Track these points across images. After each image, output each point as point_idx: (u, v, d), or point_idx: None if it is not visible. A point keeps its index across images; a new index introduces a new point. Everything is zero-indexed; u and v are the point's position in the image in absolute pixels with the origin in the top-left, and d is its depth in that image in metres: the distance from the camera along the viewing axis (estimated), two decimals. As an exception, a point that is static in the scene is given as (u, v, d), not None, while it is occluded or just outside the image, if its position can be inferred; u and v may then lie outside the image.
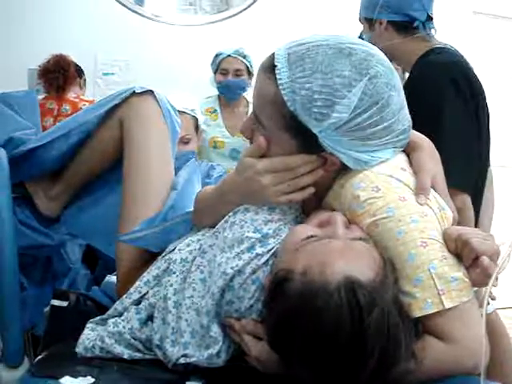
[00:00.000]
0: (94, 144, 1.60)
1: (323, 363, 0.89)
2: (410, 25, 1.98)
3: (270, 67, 1.04)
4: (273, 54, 1.05)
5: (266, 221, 1.09)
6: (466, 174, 1.76)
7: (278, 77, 1.02)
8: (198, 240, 1.19)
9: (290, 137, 1.05)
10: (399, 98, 1.06)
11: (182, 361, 1.07)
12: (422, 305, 0.95)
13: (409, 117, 1.10)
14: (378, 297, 0.88)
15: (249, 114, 1.13)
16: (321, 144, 1.03)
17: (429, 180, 1.06)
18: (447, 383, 0.95)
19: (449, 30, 2.20)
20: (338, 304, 0.87)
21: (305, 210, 1.18)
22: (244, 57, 3.26)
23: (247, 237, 1.06)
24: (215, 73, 3.30)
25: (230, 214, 1.13)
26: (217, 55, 3.28)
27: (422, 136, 1.17)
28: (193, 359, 1.07)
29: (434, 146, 1.17)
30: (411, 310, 0.95)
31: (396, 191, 1.01)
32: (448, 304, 0.94)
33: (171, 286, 1.13)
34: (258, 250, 1.05)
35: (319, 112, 1.00)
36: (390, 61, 1.91)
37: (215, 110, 3.33)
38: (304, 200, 1.20)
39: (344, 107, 0.99)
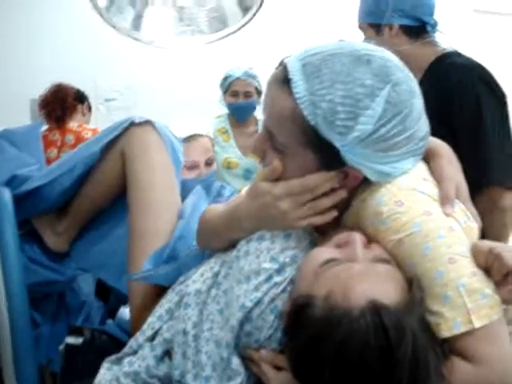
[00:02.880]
0: (97, 177, 1.59)
1: None
2: (421, 29, 1.97)
3: (283, 80, 0.97)
4: (284, 66, 0.99)
5: (282, 249, 1.04)
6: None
7: (294, 90, 0.95)
8: (211, 268, 1.16)
9: (310, 152, 0.98)
10: (420, 105, 1.01)
11: None
12: (450, 324, 0.91)
13: (427, 122, 1.05)
14: (404, 319, 0.84)
15: (259, 133, 1.07)
16: (343, 158, 0.97)
17: (453, 189, 1.02)
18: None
19: (450, 28, 2.18)
20: (363, 329, 0.83)
21: (321, 230, 1.13)
22: (253, 77, 3.24)
23: (264, 268, 1.02)
24: (225, 93, 3.30)
25: (243, 242, 1.08)
26: (226, 77, 3.27)
27: (439, 141, 1.13)
28: None
29: (452, 151, 1.13)
30: (439, 329, 0.91)
31: (420, 205, 0.97)
32: (478, 323, 0.90)
33: (189, 319, 1.10)
34: (276, 279, 1.02)
35: (343, 125, 0.93)
36: None
37: (227, 131, 3.33)
38: None
39: (368, 118, 0.93)
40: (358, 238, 0.98)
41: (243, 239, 1.09)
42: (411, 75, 1.01)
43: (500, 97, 1.79)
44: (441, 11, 2.13)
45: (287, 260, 1.03)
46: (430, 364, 0.85)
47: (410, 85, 0.99)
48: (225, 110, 3.38)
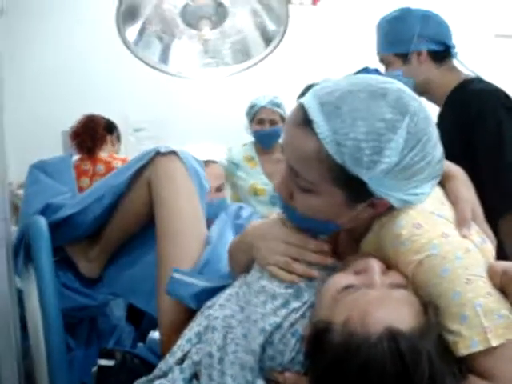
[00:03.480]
0: (125, 205, 1.65)
1: None
2: (445, 54, 1.97)
3: (304, 122, 0.99)
4: (302, 107, 1.00)
5: None
6: None
7: (318, 131, 0.96)
8: (237, 293, 1.20)
9: (338, 189, 1.00)
10: (435, 130, 1.04)
11: None
12: (468, 343, 0.93)
13: (441, 145, 1.07)
14: (420, 344, 0.87)
15: (282, 173, 1.07)
16: (370, 190, 1.00)
17: (469, 211, 1.04)
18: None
19: (471, 53, 2.19)
20: (381, 355, 0.86)
21: (340, 254, 1.17)
22: (278, 106, 3.31)
23: (280, 293, 1.07)
24: (251, 121, 3.37)
25: (257, 267, 1.15)
26: (252, 106, 3.35)
27: (454, 165, 1.16)
28: None
29: (466, 173, 1.16)
30: (457, 348, 0.94)
31: (438, 227, 1.00)
32: (495, 342, 0.92)
33: (215, 343, 1.13)
34: (294, 304, 1.06)
35: (369, 160, 0.95)
36: (422, 94, 1.93)
37: (253, 158, 3.39)
38: (339, 243, 1.20)
39: (393, 151, 0.96)
40: (375, 264, 1.01)
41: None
42: (424, 104, 1.04)
43: None
44: (462, 36, 2.14)
45: (302, 285, 1.08)
46: None
47: (426, 113, 1.02)
48: (250, 138, 3.44)
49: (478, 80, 1.95)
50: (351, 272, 1.03)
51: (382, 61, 2.03)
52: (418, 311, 0.93)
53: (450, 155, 1.23)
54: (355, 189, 1.00)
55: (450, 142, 1.67)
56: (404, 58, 1.96)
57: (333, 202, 1.03)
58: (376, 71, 1.99)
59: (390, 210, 1.04)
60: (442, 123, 1.97)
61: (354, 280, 1.00)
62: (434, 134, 1.03)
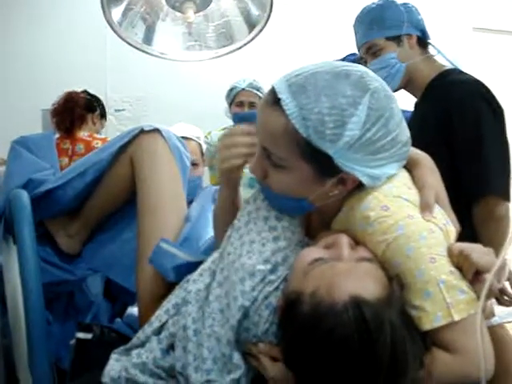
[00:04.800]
0: (107, 182, 1.67)
1: (335, 379, 0.93)
2: (426, 42, 2.02)
3: (273, 101, 1.05)
4: (272, 89, 1.07)
5: (273, 251, 1.14)
6: (508, 183, 1.82)
7: (285, 108, 1.02)
8: (209, 268, 1.24)
9: (306, 163, 1.05)
10: (398, 109, 1.09)
11: None
12: (432, 318, 0.99)
13: (407, 129, 1.13)
14: (383, 313, 0.93)
15: (256, 155, 1.14)
16: (336, 165, 1.04)
17: (433, 196, 1.10)
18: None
19: (449, 46, 2.22)
20: (345, 322, 0.91)
21: (311, 234, 1.22)
22: (258, 89, 3.35)
23: (259, 270, 1.11)
24: (230, 105, 3.40)
25: (235, 241, 1.19)
26: (231, 89, 3.38)
27: (421, 152, 1.22)
28: None
29: (433, 161, 1.21)
30: (421, 323, 0.99)
31: (404, 210, 1.05)
32: (457, 316, 0.98)
33: (189, 315, 1.18)
34: (269, 277, 1.11)
35: (332, 133, 1.00)
36: (405, 86, 1.97)
37: None
38: (310, 223, 1.25)
39: (354, 124, 1.01)
40: (344, 239, 1.07)
41: (235, 240, 1.19)
42: (386, 85, 1.09)
43: (499, 113, 1.83)
44: (440, 29, 2.18)
45: (279, 260, 1.13)
46: (408, 353, 0.93)
47: (387, 92, 1.08)
48: (230, 123, 3.45)
49: (458, 71, 1.99)
50: (321, 246, 1.09)
51: (368, 49, 2.03)
52: (383, 283, 0.99)
53: (424, 141, 1.27)
54: (322, 163, 1.05)
55: (425, 129, 1.70)
56: (397, 40, 1.99)
57: (303, 177, 1.08)
58: (361, 58, 2.04)
59: (358, 191, 1.10)
60: (417, 111, 2.01)
61: (324, 253, 1.06)
62: (398, 112, 1.08)
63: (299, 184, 1.09)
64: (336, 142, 1.01)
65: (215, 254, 1.26)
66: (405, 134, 1.11)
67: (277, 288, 1.11)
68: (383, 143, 1.05)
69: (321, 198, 1.11)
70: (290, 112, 1.02)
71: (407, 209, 1.06)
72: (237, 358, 1.11)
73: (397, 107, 1.09)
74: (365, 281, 0.98)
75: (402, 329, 0.94)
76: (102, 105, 3.71)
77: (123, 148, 1.63)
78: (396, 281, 1.01)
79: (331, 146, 1.02)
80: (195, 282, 1.23)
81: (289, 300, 1.03)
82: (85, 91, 3.57)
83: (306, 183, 1.09)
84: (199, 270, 1.26)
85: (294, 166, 1.06)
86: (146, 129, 1.61)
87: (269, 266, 1.12)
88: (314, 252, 1.08)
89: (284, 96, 1.03)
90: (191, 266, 1.34)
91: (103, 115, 3.72)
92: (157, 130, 1.61)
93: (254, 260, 1.13)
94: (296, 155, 1.05)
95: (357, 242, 1.09)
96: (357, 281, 0.98)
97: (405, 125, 1.12)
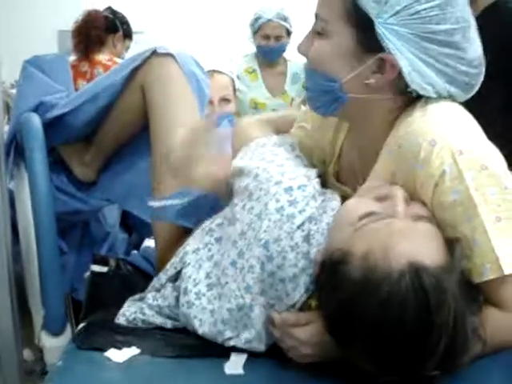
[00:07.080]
0: (120, 107, 1.57)
1: (387, 351, 0.83)
2: None
3: None
4: None
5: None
6: None
7: None
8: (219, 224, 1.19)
9: (349, 27, 1.00)
10: (466, 14, 1.00)
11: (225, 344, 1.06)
12: (480, 270, 0.90)
13: (479, 46, 1.03)
14: (444, 282, 0.82)
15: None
16: (380, 40, 0.98)
17: None
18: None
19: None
20: (403, 292, 0.81)
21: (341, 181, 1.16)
22: (285, 20, 3.14)
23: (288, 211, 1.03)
24: (254, 33, 3.21)
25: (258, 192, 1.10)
26: (256, 18, 3.17)
27: None
28: (231, 342, 1.05)
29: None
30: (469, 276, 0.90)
31: (452, 145, 0.94)
32: (508, 270, 0.89)
33: (189, 277, 1.13)
34: (289, 210, 1.02)
35: None
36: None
37: (254, 70, 3.26)
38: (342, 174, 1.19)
39: None
40: (399, 192, 0.95)
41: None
42: None
43: None
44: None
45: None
46: (467, 328, 0.83)
47: None
48: (252, 49, 3.30)
49: None
50: (372, 198, 0.97)
51: None
52: (442, 247, 0.88)
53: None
54: (364, 30, 0.99)
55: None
56: None
57: (343, 46, 1.02)
58: None
59: (403, 126, 1.00)
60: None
61: (375, 207, 0.94)
62: (461, 9, 0.99)
63: (337, 55, 1.03)
64: (380, 4, 0.96)
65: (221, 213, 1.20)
66: (471, 51, 1.00)
67: (300, 226, 1.01)
68: (435, 30, 0.96)
69: (355, 86, 1.03)
70: None
71: (456, 143, 0.94)
72: (256, 313, 1.04)
73: (463, 9, 0.99)
74: (424, 244, 0.87)
75: (463, 300, 0.83)
76: (127, 23, 3.53)
77: (134, 71, 1.52)
78: (458, 243, 0.90)
79: (375, 7, 0.96)
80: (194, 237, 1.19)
81: (334, 258, 0.91)
82: (109, 8, 3.41)
83: (345, 56, 1.03)
84: (207, 228, 1.20)
85: (337, 32, 1.02)
86: (159, 51, 1.50)
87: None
88: (364, 204, 0.96)
89: None
90: (193, 205, 1.31)
91: (127, 35, 3.54)
92: (170, 54, 1.50)
93: (281, 202, 1.04)
94: (341, 16, 1.01)
95: (411, 196, 0.97)
96: (415, 244, 0.86)
97: (475, 38, 1.02)
